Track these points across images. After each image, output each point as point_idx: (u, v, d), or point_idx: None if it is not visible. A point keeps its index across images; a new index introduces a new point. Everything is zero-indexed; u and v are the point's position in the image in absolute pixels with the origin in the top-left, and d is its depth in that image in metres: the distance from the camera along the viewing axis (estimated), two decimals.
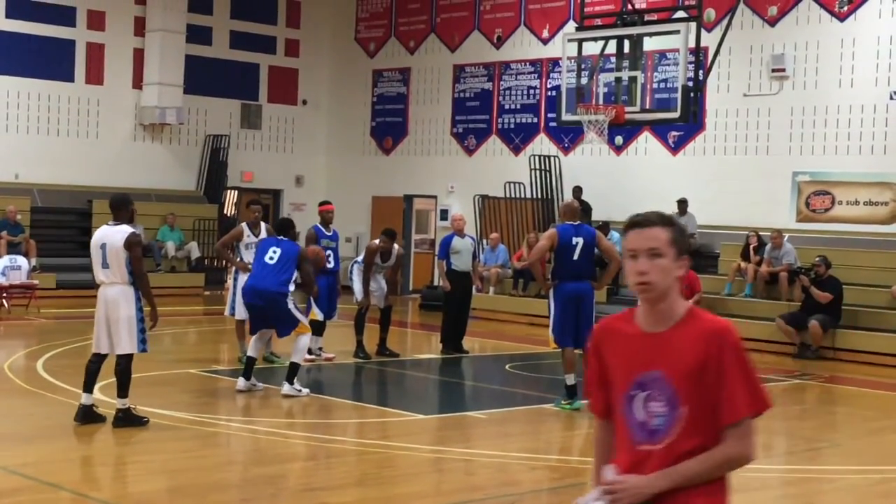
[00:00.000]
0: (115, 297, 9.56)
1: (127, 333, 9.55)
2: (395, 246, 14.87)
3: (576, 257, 11.13)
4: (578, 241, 11.17)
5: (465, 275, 15.66)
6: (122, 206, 9.83)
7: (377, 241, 14.76)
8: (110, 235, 9.61)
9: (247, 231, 13.72)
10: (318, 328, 14.23)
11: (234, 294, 13.54)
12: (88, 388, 9.72)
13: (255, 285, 11.75)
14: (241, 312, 13.55)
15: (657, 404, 3.48)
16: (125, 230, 9.60)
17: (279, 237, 12.08)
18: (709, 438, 3.46)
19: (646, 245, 3.48)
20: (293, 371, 11.60)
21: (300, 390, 11.63)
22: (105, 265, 9.59)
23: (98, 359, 9.76)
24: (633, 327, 3.58)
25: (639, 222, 3.54)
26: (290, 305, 11.60)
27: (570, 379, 11.22)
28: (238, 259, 13.57)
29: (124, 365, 9.63)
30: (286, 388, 11.58)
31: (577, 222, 11.43)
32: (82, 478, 8.37)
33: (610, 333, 3.64)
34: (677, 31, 16.73)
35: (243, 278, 13.43)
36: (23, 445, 9.07)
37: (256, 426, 10.20)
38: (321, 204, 14.80)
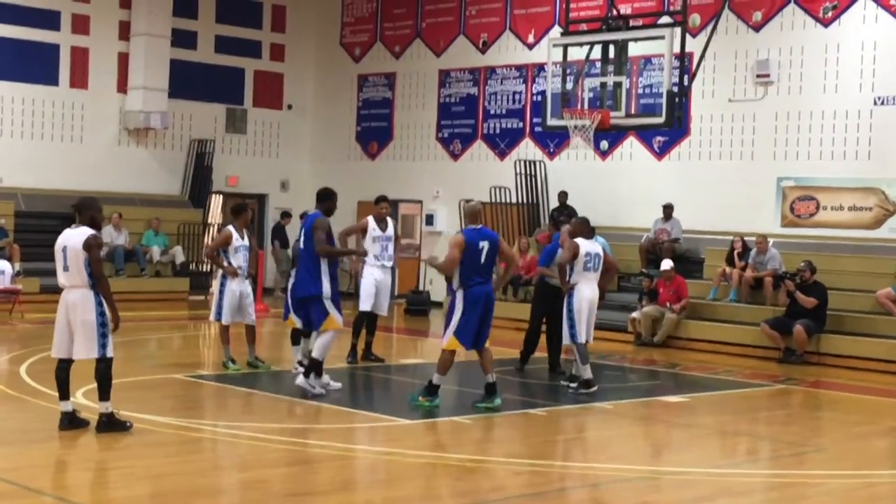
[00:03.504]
0: (75, 301, 9.52)
1: (84, 338, 9.46)
2: (389, 220, 14.69)
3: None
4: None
5: (559, 289, 13.81)
6: (84, 208, 9.70)
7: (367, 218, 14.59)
8: (71, 238, 9.57)
9: (235, 235, 13.62)
10: (298, 336, 14.16)
11: (220, 299, 13.49)
12: (64, 395, 9.67)
13: None
14: (227, 317, 13.50)
15: None
16: (85, 232, 9.54)
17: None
18: None
19: None
20: (312, 366, 11.71)
21: (313, 387, 11.63)
22: (66, 268, 9.55)
23: (64, 365, 9.69)
24: None
25: None
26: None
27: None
28: (226, 263, 13.49)
29: (103, 369, 9.57)
30: (300, 379, 11.71)
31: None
32: (65, 483, 8.32)
33: None
34: (662, 37, 16.74)
35: (230, 283, 13.36)
36: (5, 450, 9.02)
37: (241, 431, 10.15)
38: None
